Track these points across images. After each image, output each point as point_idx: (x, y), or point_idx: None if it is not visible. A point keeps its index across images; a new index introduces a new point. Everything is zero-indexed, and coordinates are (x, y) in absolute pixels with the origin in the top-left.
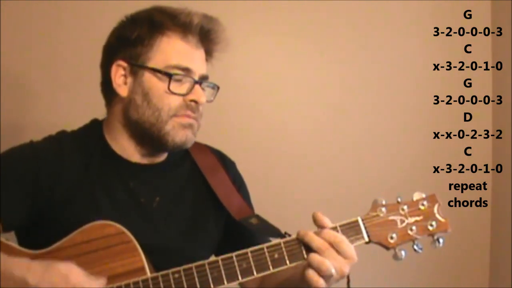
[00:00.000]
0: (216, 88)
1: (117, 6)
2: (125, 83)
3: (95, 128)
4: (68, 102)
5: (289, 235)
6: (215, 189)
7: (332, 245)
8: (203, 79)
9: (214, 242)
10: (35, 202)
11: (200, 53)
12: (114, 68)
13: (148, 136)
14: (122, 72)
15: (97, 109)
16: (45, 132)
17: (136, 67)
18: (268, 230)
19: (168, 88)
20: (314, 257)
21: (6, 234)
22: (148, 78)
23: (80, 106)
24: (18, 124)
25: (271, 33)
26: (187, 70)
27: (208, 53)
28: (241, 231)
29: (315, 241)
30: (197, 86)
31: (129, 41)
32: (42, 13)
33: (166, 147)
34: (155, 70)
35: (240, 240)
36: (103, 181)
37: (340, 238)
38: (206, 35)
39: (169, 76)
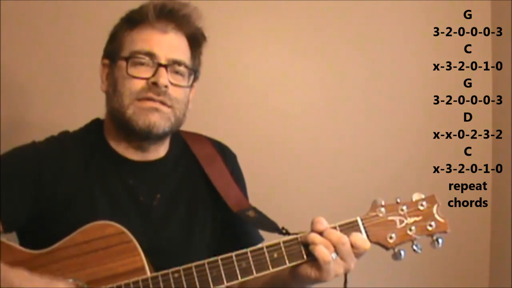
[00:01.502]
0: (192, 72)
1: (118, 6)
2: (107, 78)
3: (96, 128)
4: (69, 101)
5: (287, 231)
6: (213, 179)
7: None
8: (173, 63)
9: (213, 240)
10: (36, 203)
11: (169, 38)
12: (101, 67)
13: (120, 125)
14: (106, 69)
15: (98, 109)
16: (45, 131)
17: (111, 62)
18: (265, 224)
19: (127, 71)
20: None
21: (7, 234)
22: (117, 68)
23: (80, 106)
24: (18, 124)
25: (273, 31)
26: (149, 54)
27: (191, 38)
28: (237, 224)
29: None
30: (160, 69)
31: (110, 39)
32: (42, 13)
33: (135, 133)
34: (119, 59)
35: (235, 234)
36: (102, 180)
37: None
38: (169, 16)
39: (126, 60)
